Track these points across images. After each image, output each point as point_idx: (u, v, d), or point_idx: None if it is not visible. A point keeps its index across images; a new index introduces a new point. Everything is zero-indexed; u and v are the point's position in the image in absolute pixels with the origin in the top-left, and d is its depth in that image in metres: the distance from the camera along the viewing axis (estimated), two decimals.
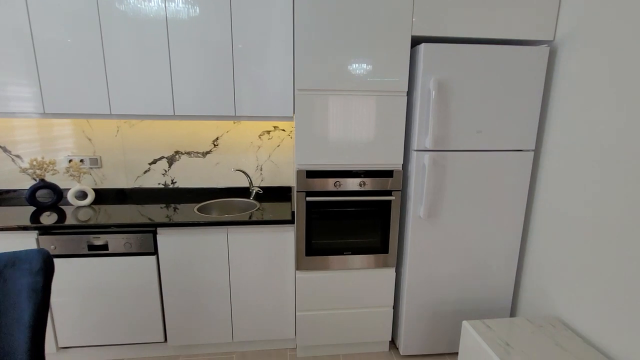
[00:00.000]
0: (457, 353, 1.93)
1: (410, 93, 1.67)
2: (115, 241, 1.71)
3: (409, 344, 1.89)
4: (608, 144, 1.36)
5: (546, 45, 1.64)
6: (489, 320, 1.57)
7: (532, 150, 1.72)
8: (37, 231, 1.66)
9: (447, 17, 1.58)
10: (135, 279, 1.76)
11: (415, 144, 1.66)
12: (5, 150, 2.08)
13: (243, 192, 2.26)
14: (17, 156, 2.10)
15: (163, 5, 1.68)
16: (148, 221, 1.73)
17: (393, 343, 2.02)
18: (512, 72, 1.62)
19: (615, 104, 1.33)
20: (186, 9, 1.69)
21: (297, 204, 1.70)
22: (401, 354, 1.90)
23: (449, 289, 1.83)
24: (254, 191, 2.20)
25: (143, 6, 1.68)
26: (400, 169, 1.73)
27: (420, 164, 1.67)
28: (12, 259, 1.04)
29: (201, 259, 1.78)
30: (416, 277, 1.80)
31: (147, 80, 1.76)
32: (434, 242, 1.76)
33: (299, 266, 1.77)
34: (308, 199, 1.68)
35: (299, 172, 1.67)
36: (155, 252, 1.75)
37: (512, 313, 1.95)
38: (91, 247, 1.70)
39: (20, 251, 1.05)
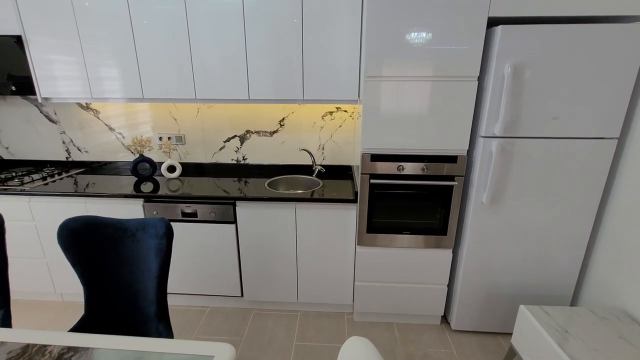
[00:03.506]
0: (508, 334, 1.99)
1: (481, 78, 1.64)
2: (202, 210, 2.00)
3: (460, 320, 1.99)
4: None
5: None
6: (548, 307, 1.59)
7: (616, 139, 1.61)
8: (143, 199, 2.01)
9: None
10: (219, 243, 2.07)
11: (483, 130, 1.65)
12: (110, 128, 2.46)
13: (306, 169, 2.43)
14: (120, 133, 2.47)
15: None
16: (229, 195, 1.98)
17: (445, 318, 2.13)
18: (599, 54, 1.49)
19: None
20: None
21: (361, 185, 1.82)
22: (452, 328, 2.02)
23: (506, 274, 1.87)
24: (317, 169, 2.36)
25: None
26: (465, 154, 1.74)
27: (487, 150, 1.66)
28: (142, 224, 1.33)
29: (273, 229, 2.02)
30: (473, 260, 1.85)
31: (226, 68, 1.94)
32: (494, 228, 1.78)
33: (359, 242, 1.92)
34: (372, 181, 1.79)
35: (364, 155, 1.77)
36: (234, 221, 2.02)
37: (573, 304, 1.93)
38: (184, 214, 2.02)
39: (147, 218, 1.33)
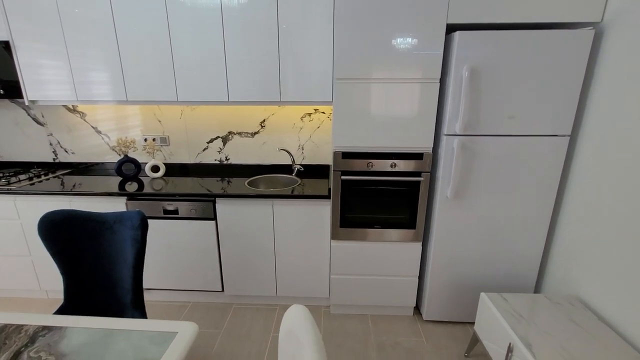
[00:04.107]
0: None
1: (442, 80, 1.75)
2: (183, 207, 2.08)
3: (431, 311, 2.08)
4: None
5: (591, 28, 1.60)
6: (507, 294, 1.70)
7: (568, 136, 1.72)
8: (126, 197, 2.08)
9: (483, 3, 1.61)
10: (199, 239, 2.14)
11: (445, 128, 1.76)
12: (96, 130, 2.54)
13: (287, 169, 2.52)
14: (106, 134, 2.55)
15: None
16: (208, 192, 2.06)
17: (417, 309, 2.22)
18: (550, 57, 1.61)
19: None
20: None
21: (334, 181, 1.92)
22: (424, 318, 2.11)
23: (473, 265, 1.97)
24: (296, 168, 2.45)
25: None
26: (430, 152, 1.85)
27: (449, 147, 1.77)
28: (119, 217, 1.41)
29: (251, 225, 2.10)
30: (441, 252, 1.95)
31: (206, 71, 2.03)
32: (459, 221, 1.88)
33: (333, 236, 2.02)
34: (343, 177, 1.88)
35: (335, 153, 1.87)
36: (214, 218, 2.10)
37: (536, 292, 2.03)
38: (165, 211, 2.09)
39: (124, 211, 1.41)
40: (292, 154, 2.49)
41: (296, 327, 0.73)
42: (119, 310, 1.40)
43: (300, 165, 2.49)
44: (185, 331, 1.00)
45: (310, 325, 0.72)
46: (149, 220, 2.09)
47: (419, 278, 2.11)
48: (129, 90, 2.11)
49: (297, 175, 2.45)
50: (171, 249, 2.18)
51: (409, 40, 1.67)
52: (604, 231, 1.55)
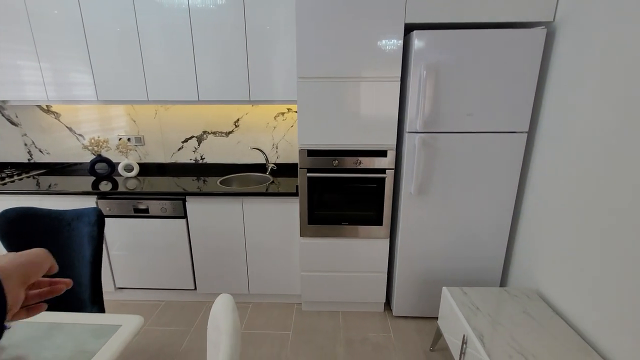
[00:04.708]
0: None
1: (403, 78, 1.79)
2: (153, 206, 2.10)
3: (400, 307, 2.11)
4: (599, 132, 1.40)
5: (543, 27, 1.64)
6: (467, 288, 1.73)
7: (526, 132, 1.76)
8: (96, 196, 2.09)
9: (439, 3, 1.65)
10: (170, 237, 2.16)
11: (407, 126, 1.79)
12: (71, 130, 2.55)
13: (261, 167, 2.55)
14: (80, 135, 2.56)
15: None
16: (178, 191, 2.08)
17: (389, 305, 2.25)
18: (505, 56, 1.66)
19: (614, 90, 1.34)
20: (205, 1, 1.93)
21: (300, 179, 1.94)
22: (394, 314, 2.13)
23: (439, 260, 2.00)
24: (270, 167, 2.47)
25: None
26: (394, 149, 1.88)
27: (411, 144, 1.80)
28: (78, 214, 1.42)
29: (222, 224, 2.12)
30: (408, 248, 1.98)
31: (176, 71, 2.06)
32: (424, 217, 1.91)
33: (302, 233, 2.04)
34: (309, 175, 1.91)
35: (301, 151, 1.90)
36: (185, 216, 2.11)
37: (502, 286, 2.07)
38: (136, 210, 2.11)
39: (82, 208, 1.43)
40: (266, 153, 2.52)
41: (218, 315, 0.76)
42: (77, 307, 1.41)
43: (274, 164, 2.51)
44: (129, 324, 1.02)
45: (230, 313, 0.74)
46: (121, 220, 2.12)
47: (388, 274, 2.13)
48: (99, 90, 2.12)
49: (270, 173, 2.47)
50: (143, 248, 2.19)
51: (369, 39, 1.71)
52: (560, 227, 1.59)
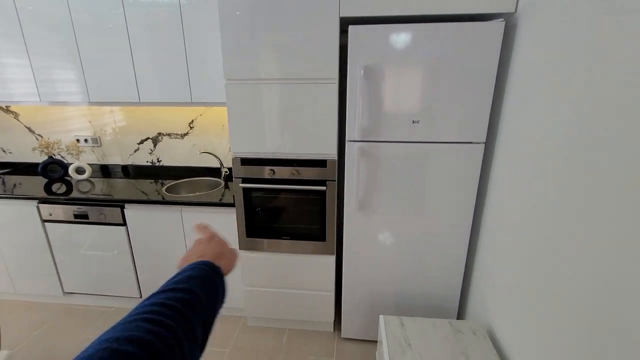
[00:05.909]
0: None
1: (342, 81, 1.58)
2: (93, 212, 2.02)
3: (349, 329, 1.94)
4: (562, 137, 1.15)
5: (502, 20, 1.38)
6: (408, 318, 1.53)
7: (483, 143, 1.52)
8: (37, 201, 2.04)
9: None
10: (111, 244, 2.08)
11: (348, 134, 1.59)
12: (30, 130, 2.52)
13: (216, 171, 2.42)
14: (40, 135, 2.52)
15: None
16: (116, 197, 1.99)
17: (339, 324, 2.08)
18: (458, 54, 1.41)
19: (582, 92, 1.08)
20: None
21: (235, 189, 1.79)
22: (341, 336, 1.96)
23: (389, 284, 1.80)
24: (224, 172, 2.34)
25: None
26: (335, 159, 1.68)
27: (352, 154, 1.60)
28: None
29: (162, 232, 2.01)
30: (354, 268, 1.79)
31: (115, 71, 1.94)
32: (368, 234, 1.71)
33: (240, 246, 1.89)
34: (242, 185, 1.76)
35: (234, 159, 1.74)
36: (124, 224, 2.02)
37: (460, 317, 1.84)
38: (76, 215, 2.04)
39: None
40: (221, 156, 2.38)
41: None
42: None
43: (228, 168, 2.37)
44: None
45: None
46: (62, 225, 2.06)
47: (336, 293, 1.96)
48: (41, 90, 2.05)
49: (225, 178, 2.33)
50: (87, 255, 2.13)
51: (301, 36, 1.51)
52: (517, 257, 1.33)
